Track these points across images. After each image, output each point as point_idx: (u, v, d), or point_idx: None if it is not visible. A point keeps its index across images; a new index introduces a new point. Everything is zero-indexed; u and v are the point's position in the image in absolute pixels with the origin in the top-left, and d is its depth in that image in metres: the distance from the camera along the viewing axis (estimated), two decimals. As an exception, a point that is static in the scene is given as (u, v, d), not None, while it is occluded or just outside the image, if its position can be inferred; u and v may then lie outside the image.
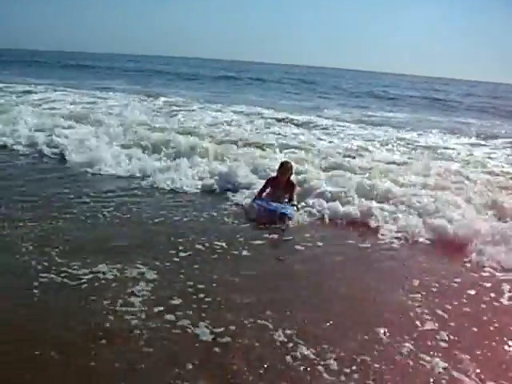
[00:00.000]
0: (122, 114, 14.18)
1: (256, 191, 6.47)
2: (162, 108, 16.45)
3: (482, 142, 12.88)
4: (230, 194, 6.84)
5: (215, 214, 6.05)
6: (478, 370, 3.11)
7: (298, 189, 6.51)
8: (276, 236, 5.47)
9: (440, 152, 10.81)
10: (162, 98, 19.27)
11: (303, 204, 6.38)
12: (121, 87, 24.18)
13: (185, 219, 5.75)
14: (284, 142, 10.89)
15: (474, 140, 13.24)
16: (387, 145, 11.41)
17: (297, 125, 14.00)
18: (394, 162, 9.11)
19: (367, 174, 7.83)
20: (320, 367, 3.03)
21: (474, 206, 6.34)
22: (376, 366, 3.10)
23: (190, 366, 2.99)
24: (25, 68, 35.09)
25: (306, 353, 3.17)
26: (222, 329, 3.41)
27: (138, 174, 7.70)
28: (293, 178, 6.50)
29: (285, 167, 6.31)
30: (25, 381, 2.81)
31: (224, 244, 5.03)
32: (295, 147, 10.34)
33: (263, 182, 6.60)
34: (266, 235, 5.41)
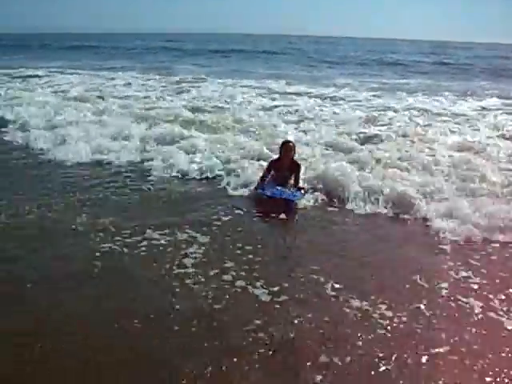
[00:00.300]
0: (127, 93, 14.29)
1: (259, 177, 6.03)
2: (169, 85, 16.52)
3: (498, 105, 12.91)
4: (231, 178, 6.37)
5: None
6: (509, 308, 3.48)
7: (303, 169, 6.14)
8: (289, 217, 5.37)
9: (455, 118, 10.83)
10: (170, 75, 19.35)
11: (310, 186, 6.06)
12: (128, 65, 24.34)
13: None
14: (294, 116, 10.94)
15: (489, 103, 13.28)
16: (400, 112, 11.44)
17: (310, 97, 14.10)
18: (405, 135, 8.87)
19: (381, 147, 7.81)
20: (375, 315, 3.36)
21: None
22: (424, 310, 3.44)
23: (256, 324, 3.22)
24: (28, 52, 34.95)
25: (359, 304, 3.49)
26: (277, 287, 3.71)
27: (146, 158, 7.43)
28: (297, 157, 6.13)
29: (287, 147, 5.98)
30: (113, 347, 2.99)
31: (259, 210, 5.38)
32: (308, 118, 10.50)
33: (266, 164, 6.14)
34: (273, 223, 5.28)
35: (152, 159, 7.30)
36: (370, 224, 5.19)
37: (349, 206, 5.56)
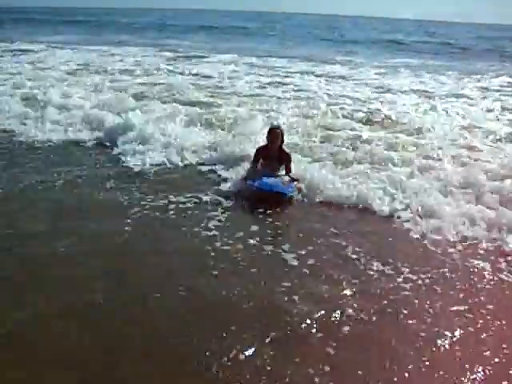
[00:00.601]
0: (124, 68, 14.21)
1: (247, 166, 5.66)
2: (166, 61, 16.44)
3: (502, 86, 12.97)
4: (217, 167, 6.02)
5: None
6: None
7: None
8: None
9: (457, 99, 10.83)
10: (169, 51, 19.25)
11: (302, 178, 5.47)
12: (127, 40, 24.14)
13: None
14: (293, 94, 10.85)
15: (492, 84, 13.34)
16: (401, 93, 11.43)
17: (314, 75, 14.10)
18: (404, 117, 8.63)
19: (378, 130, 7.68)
20: (399, 279, 3.58)
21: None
22: (446, 274, 3.70)
23: (286, 286, 3.41)
24: (28, 26, 34.29)
25: (381, 268, 3.72)
26: (303, 251, 3.92)
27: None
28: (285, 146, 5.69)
29: (274, 134, 5.57)
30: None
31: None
32: (308, 97, 10.39)
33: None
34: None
35: (151, 139, 6.80)
36: (363, 210, 4.93)
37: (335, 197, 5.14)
